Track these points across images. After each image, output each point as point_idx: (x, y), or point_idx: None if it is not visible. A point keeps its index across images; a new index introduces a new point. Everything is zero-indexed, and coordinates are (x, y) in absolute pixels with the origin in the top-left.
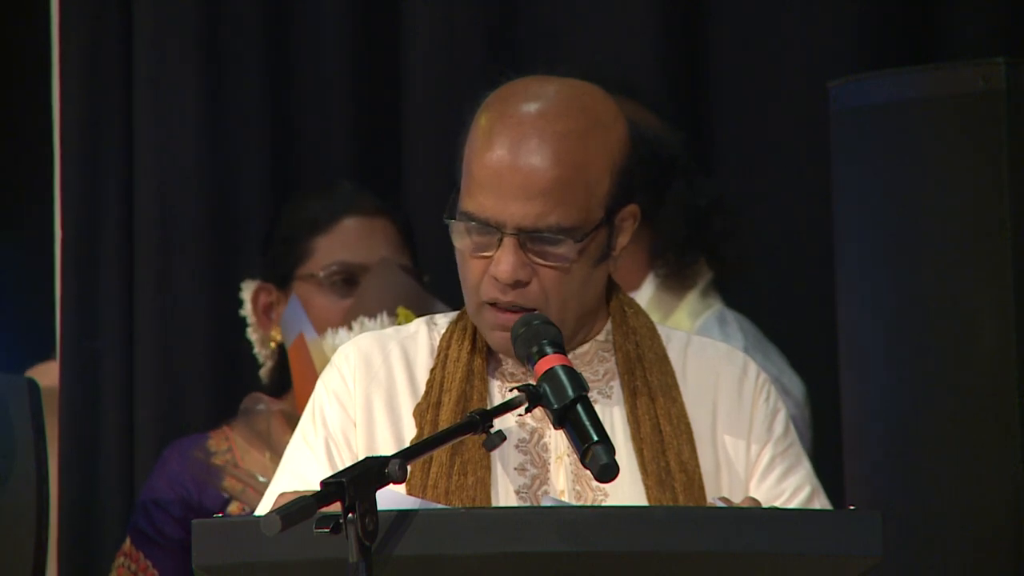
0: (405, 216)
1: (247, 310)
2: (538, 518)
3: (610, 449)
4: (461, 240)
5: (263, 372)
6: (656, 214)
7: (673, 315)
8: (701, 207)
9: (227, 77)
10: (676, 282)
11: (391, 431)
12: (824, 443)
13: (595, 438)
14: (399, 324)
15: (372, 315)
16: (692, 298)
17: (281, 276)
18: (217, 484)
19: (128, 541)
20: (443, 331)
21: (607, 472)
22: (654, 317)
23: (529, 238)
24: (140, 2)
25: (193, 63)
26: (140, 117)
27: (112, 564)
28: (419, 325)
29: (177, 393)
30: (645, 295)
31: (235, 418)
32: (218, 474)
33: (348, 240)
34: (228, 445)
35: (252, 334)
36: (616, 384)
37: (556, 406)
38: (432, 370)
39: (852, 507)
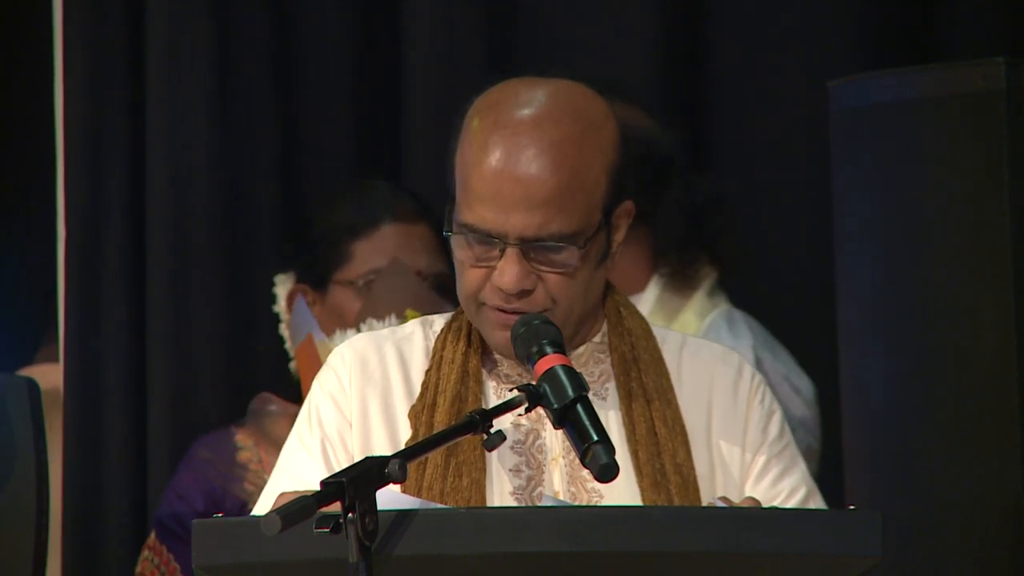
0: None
1: (281, 307)
2: (538, 518)
3: (610, 449)
4: (462, 251)
5: (292, 367)
6: (655, 214)
7: (680, 315)
8: (698, 204)
9: (232, 77)
10: (680, 282)
11: (387, 432)
12: (824, 443)
13: (595, 438)
14: None
15: (381, 317)
16: (698, 298)
17: (318, 278)
18: (241, 480)
19: (153, 535)
20: (438, 332)
21: (607, 472)
22: (659, 319)
23: (532, 247)
24: (148, 3)
25: (200, 61)
26: (147, 115)
27: (138, 556)
28: (415, 326)
29: (189, 392)
30: (650, 297)
31: (243, 419)
32: (244, 468)
33: (386, 247)
34: (254, 440)
35: (285, 330)
36: (612, 386)
37: (556, 406)
38: (427, 371)
39: (852, 507)
